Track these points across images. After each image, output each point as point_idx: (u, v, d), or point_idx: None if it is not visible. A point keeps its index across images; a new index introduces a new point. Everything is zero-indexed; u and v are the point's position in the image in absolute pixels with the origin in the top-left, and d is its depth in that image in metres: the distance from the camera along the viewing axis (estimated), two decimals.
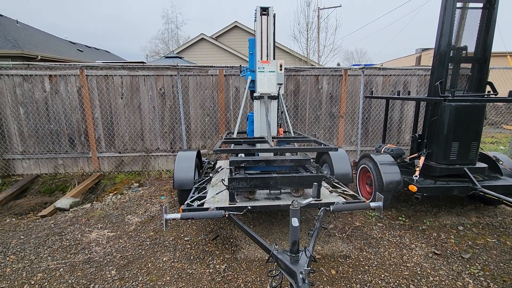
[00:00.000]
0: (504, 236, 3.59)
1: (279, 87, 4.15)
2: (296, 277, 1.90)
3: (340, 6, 19.49)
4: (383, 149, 4.78)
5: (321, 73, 6.34)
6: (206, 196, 3.33)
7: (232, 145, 4.06)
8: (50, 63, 6.09)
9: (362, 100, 6.33)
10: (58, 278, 2.81)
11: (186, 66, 6.22)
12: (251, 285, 2.70)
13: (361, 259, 3.09)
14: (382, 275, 2.84)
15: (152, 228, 3.83)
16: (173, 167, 4.01)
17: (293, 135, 4.46)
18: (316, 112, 6.49)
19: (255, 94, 4.13)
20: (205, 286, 2.68)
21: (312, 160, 3.99)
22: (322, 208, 2.68)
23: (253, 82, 4.28)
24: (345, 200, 3.18)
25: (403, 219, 4.02)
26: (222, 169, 4.31)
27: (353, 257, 3.13)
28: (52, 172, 6.14)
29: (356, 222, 3.93)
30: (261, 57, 4.08)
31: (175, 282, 2.74)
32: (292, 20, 30.46)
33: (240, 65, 5.00)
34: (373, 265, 2.99)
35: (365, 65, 7.50)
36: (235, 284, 2.71)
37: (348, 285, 2.69)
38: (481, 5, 3.83)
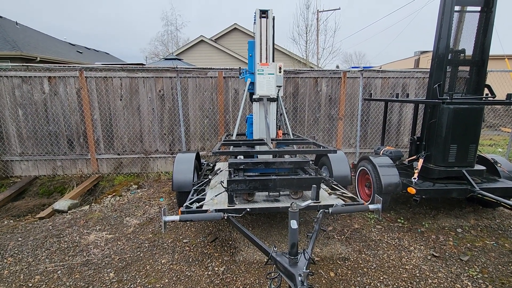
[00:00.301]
0: (502, 239, 3.59)
1: (278, 89, 4.16)
2: (295, 280, 1.90)
3: (339, 9, 19.63)
4: (382, 151, 4.79)
5: (320, 75, 6.36)
6: (205, 198, 3.33)
7: (231, 147, 4.06)
8: (49, 64, 6.09)
9: (361, 103, 6.35)
10: (56, 281, 2.80)
11: (185, 68, 6.23)
12: (250, 287, 2.69)
13: (360, 262, 3.09)
14: (381, 278, 2.83)
15: (150, 230, 3.82)
16: (172, 169, 4.01)
17: (292, 137, 4.46)
18: (315, 114, 6.50)
19: (254, 96, 4.13)
20: None
21: (311, 162, 3.99)
22: (321, 210, 2.69)
23: (252, 84, 4.28)
24: (344, 202, 3.18)
25: (402, 221, 4.02)
26: (221, 171, 4.30)
27: (352, 259, 3.13)
28: (51, 173, 6.12)
29: (355, 224, 3.93)
30: (261, 60, 4.09)
31: (173, 285, 2.73)
32: (291, 22, 30.72)
33: (240, 67, 5.01)
34: (372, 268, 2.99)
35: (363, 67, 7.53)
36: (234, 287, 2.70)
37: None
38: (479, 8, 3.86)
